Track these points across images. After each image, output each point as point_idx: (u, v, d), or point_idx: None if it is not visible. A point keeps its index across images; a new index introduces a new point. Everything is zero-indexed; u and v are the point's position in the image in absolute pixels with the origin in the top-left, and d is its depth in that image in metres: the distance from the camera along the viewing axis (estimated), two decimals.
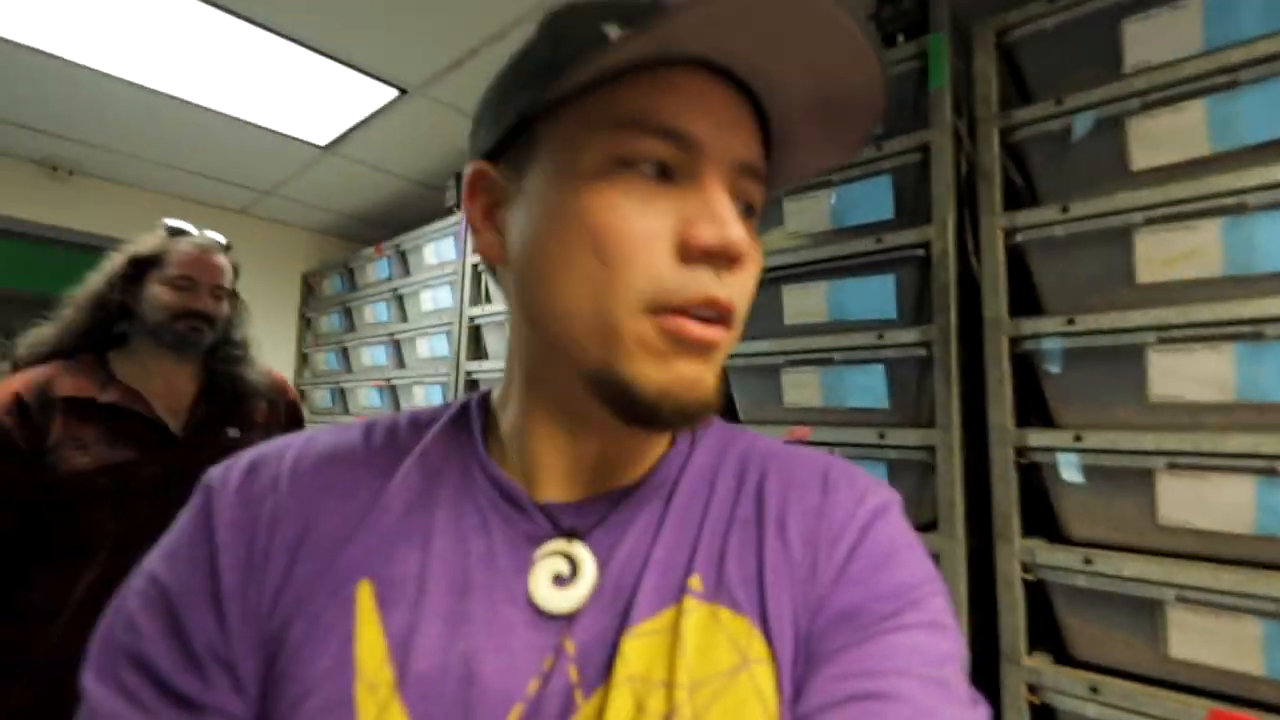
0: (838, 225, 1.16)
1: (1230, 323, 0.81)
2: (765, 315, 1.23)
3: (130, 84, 1.74)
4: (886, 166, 1.10)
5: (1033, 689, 0.89)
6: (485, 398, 0.45)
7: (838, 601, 0.35)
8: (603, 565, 0.36)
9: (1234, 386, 0.82)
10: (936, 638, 0.34)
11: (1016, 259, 1.00)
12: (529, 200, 0.37)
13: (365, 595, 0.34)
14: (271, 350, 2.91)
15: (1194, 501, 0.83)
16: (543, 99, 0.34)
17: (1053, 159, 0.98)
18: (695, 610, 0.34)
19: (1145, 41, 0.91)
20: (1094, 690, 0.84)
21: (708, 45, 0.33)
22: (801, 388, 1.16)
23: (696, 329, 0.33)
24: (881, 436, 1.04)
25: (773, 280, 1.21)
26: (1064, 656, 0.92)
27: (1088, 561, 0.86)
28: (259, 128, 1.98)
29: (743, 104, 0.36)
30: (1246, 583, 0.76)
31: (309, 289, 2.96)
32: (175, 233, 1.19)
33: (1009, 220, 0.98)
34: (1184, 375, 0.85)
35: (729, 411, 1.30)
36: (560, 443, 0.39)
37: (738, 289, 0.35)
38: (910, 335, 1.03)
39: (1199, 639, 0.81)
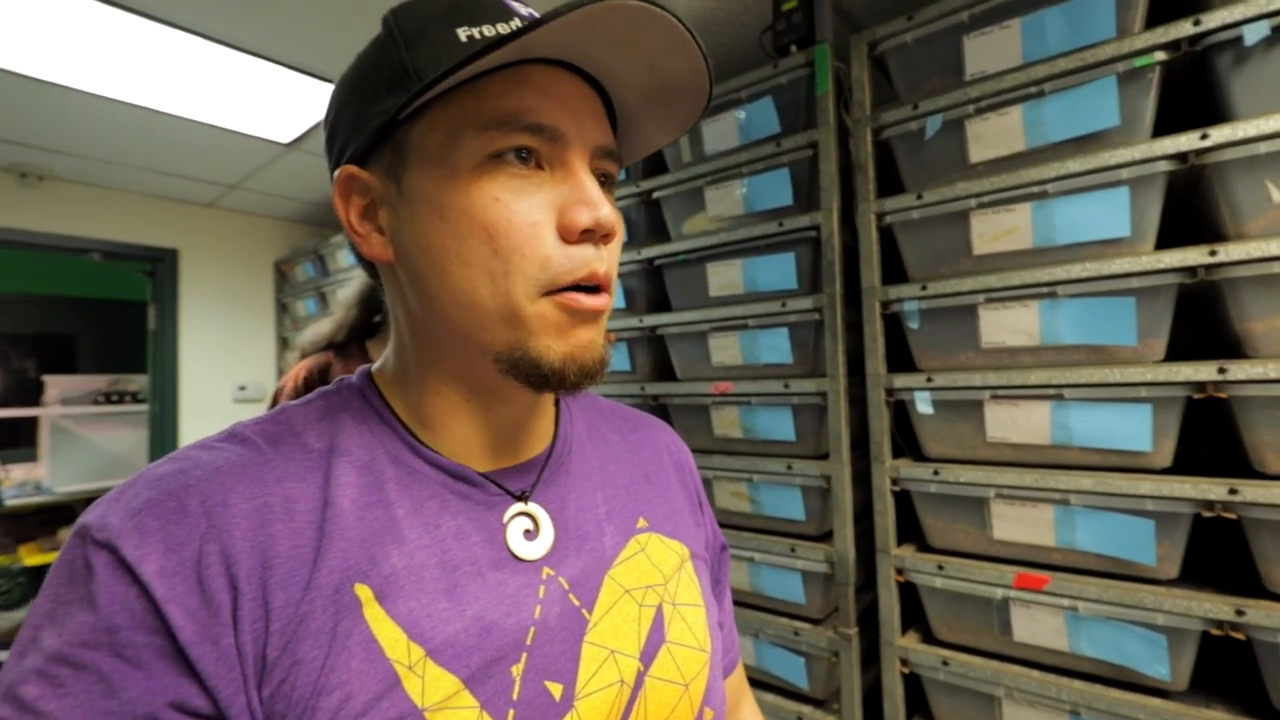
0: (749, 210, 1.38)
1: (1035, 285, 1.05)
2: (694, 289, 1.46)
3: (96, 97, 1.84)
4: (785, 160, 1.31)
5: (900, 571, 1.17)
6: (367, 384, 0.45)
7: (715, 537, 0.60)
8: (555, 517, 0.45)
9: (1039, 334, 1.07)
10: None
11: (889, 237, 1.23)
12: (412, 200, 0.39)
13: (367, 597, 0.36)
14: (254, 337, 3.03)
15: (1010, 422, 1.09)
16: (410, 103, 0.36)
17: (912, 154, 1.20)
18: (649, 538, 0.50)
19: (980, 55, 1.13)
20: (940, 567, 1.12)
21: (562, 49, 0.37)
22: (725, 349, 1.39)
23: (588, 301, 0.39)
24: (786, 386, 1.28)
25: (699, 260, 1.43)
26: (924, 546, 1.19)
27: (936, 473, 1.13)
28: (223, 130, 2.09)
29: (592, 94, 0.41)
30: (1043, 480, 1.03)
31: (281, 276, 3.07)
32: None
33: (879, 206, 1.20)
34: (1005, 327, 1.10)
35: (668, 372, 1.53)
36: (480, 422, 0.44)
37: (609, 258, 0.40)
38: (806, 303, 1.26)
39: (1012, 523, 1.08)
